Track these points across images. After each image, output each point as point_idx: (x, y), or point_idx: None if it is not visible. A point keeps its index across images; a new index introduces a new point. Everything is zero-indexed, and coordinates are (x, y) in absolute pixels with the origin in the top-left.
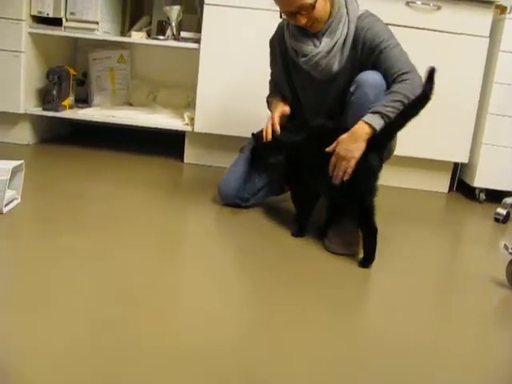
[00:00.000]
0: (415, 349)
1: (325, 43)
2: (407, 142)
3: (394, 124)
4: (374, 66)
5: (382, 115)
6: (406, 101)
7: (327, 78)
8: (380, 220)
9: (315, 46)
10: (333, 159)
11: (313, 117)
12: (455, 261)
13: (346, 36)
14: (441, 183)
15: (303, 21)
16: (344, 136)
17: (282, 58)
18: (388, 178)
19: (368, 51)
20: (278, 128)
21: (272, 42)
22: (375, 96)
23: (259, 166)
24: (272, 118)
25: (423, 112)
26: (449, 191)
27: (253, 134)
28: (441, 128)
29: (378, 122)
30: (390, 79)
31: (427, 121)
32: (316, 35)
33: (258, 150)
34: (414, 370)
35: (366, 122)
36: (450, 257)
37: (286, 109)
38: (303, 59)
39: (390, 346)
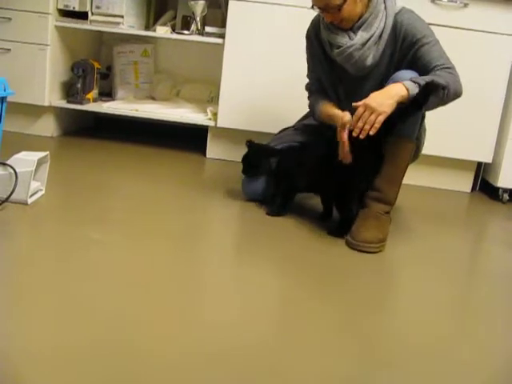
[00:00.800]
0: (437, 347)
1: (360, 36)
2: (431, 140)
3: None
4: (412, 62)
5: (422, 90)
6: (446, 89)
7: (361, 73)
8: (402, 218)
9: (349, 38)
10: (359, 110)
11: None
12: (477, 260)
13: (383, 30)
14: (464, 183)
15: (329, 18)
16: (376, 92)
17: (322, 51)
18: (411, 176)
19: (408, 45)
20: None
21: (309, 37)
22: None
23: (252, 173)
24: (342, 137)
25: (448, 110)
26: (472, 191)
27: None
28: (465, 127)
29: (413, 92)
30: (432, 67)
31: (451, 119)
32: (351, 28)
33: (250, 157)
34: (436, 368)
35: (405, 86)
36: (472, 256)
37: (347, 118)
38: (336, 51)
39: (412, 345)
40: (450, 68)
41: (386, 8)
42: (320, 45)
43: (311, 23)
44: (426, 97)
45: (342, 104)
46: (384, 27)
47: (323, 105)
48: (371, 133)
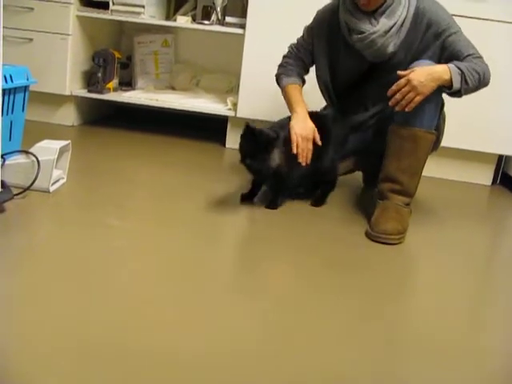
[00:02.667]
0: (456, 336)
1: (382, 23)
2: (452, 133)
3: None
4: (438, 52)
5: (463, 79)
6: (479, 81)
7: (378, 60)
8: (422, 211)
9: (371, 24)
10: (401, 81)
11: (346, 101)
12: (497, 253)
13: (405, 18)
14: (484, 175)
15: None
16: (423, 68)
17: (331, 33)
18: (431, 168)
19: (433, 35)
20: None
21: (323, 13)
22: None
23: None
24: (311, 139)
25: (470, 102)
26: (492, 184)
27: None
28: (486, 119)
29: (457, 80)
30: (462, 57)
31: (473, 112)
32: (373, 14)
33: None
34: (454, 356)
35: (450, 70)
36: (492, 249)
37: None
38: (358, 36)
39: (431, 334)
40: (481, 58)
41: None
42: (335, 27)
43: (331, 4)
44: (466, 84)
45: (339, 91)
46: (406, 15)
47: (293, 84)
48: (407, 109)
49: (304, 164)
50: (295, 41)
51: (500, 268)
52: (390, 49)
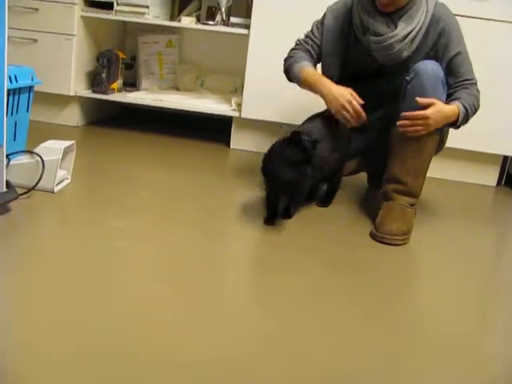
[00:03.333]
0: (459, 337)
1: (401, 28)
2: (456, 133)
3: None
4: (443, 62)
5: (464, 118)
6: (473, 115)
7: (389, 63)
8: (426, 211)
9: (389, 27)
10: (419, 114)
11: None
12: (501, 254)
13: (422, 24)
14: (489, 176)
15: None
16: (442, 108)
17: (342, 30)
18: (435, 169)
19: (443, 46)
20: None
21: (335, 10)
22: (432, 87)
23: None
24: (355, 98)
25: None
26: (497, 185)
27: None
28: (491, 120)
29: (460, 119)
30: (462, 81)
31: (477, 113)
32: (391, 17)
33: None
34: (458, 357)
35: (459, 116)
36: (497, 250)
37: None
38: (374, 38)
39: (435, 335)
40: (476, 84)
41: (427, 1)
42: (348, 25)
43: (340, 3)
44: (465, 122)
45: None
46: (424, 21)
47: (308, 67)
48: (409, 135)
49: (360, 123)
50: (302, 35)
51: (504, 269)
52: (405, 54)
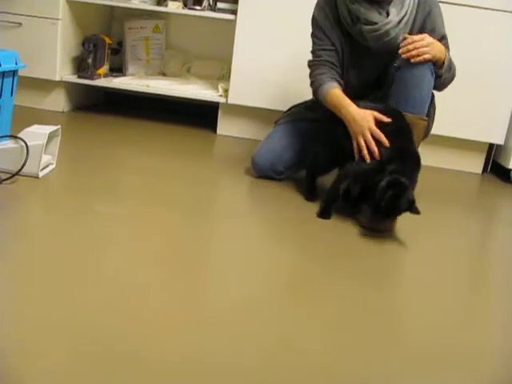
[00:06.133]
0: (444, 324)
1: (393, 14)
2: (442, 121)
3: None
4: None
5: (448, 66)
6: (453, 76)
7: (382, 51)
8: None
9: (380, 14)
10: (416, 36)
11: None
12: (486, 242)
13: (412, 8)
14: (475, 164)
15: None
16: (434, 40)
17: (337, 26)
18: (422, 156)
19: (430, 32)
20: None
21: (323, 9)
22: (421, 74)
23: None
24: (374, 130)
25: (461, 90)
26: (483, 172)
27: (275, 122)
28: (477, 108)
29: (446, 64)
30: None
31: (463, 100)
32: (381, 4)
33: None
34: (444, 344)
35: (446, 55)
36: (482, 237)
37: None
38: (368, 27)
39: (421, 322)
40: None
41: None
42: (337, 19)
43: (322, 1)
44: (448, 73)
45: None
46: (413, 4)
47: (332, 88)
48: (413, 60)
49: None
50: (311, 56)
51: (489, 254)
52: (400, 39)
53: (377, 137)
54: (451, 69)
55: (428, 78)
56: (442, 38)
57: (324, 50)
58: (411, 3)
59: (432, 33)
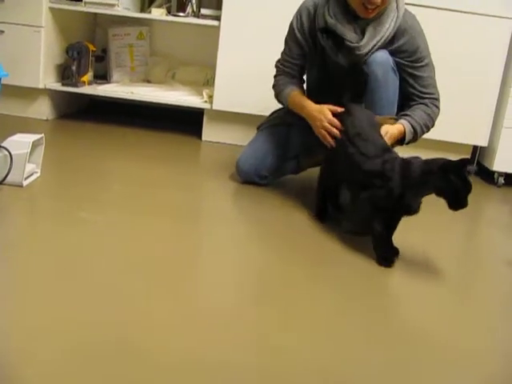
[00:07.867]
0: (435, 327)
1: (368, 37)
2: None
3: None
4: (404, 71)
5: (413, 137)
6: (423, 134)
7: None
8: None
9: (356, 34)
10: None
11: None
12: (472, 243)
13: (390, 33)
14: None
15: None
16: (388, 129)
17: (311, 37)
18: None
19: (407, 61)
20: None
21: (300, 19)
22: (383, 74)
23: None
24: (331, 119)
25: (445, 94)
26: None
27: (258, 128)
28: (461, 110)
29: (408, 138)
30: (422, 95)
31: (447, 103)
32: (359, 23)
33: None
34: (435, 347)
35: (406, 135)
36: (467, 239)
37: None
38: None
39: (411, 324)
40: (437, 100)
41: (397, 8)
42: (313, 32)
43: (303, 8)
44: (413, 141)
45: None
46: (392, 29)
47: (293, 91)
48: None
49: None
50: (280, 56)
51: (474, 250)
52: (368, 56)
53: (335, 125)
54: (419, 132)
55: (391, 78)
56: (423, 66)
57: (288, 61)
58: (391, 27)
59: (411, 61)
